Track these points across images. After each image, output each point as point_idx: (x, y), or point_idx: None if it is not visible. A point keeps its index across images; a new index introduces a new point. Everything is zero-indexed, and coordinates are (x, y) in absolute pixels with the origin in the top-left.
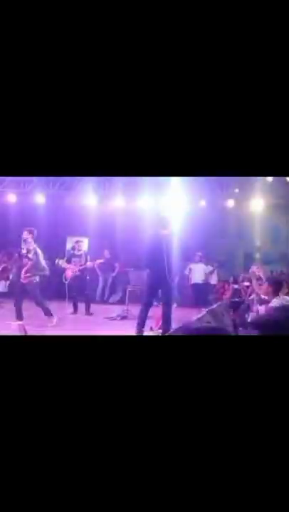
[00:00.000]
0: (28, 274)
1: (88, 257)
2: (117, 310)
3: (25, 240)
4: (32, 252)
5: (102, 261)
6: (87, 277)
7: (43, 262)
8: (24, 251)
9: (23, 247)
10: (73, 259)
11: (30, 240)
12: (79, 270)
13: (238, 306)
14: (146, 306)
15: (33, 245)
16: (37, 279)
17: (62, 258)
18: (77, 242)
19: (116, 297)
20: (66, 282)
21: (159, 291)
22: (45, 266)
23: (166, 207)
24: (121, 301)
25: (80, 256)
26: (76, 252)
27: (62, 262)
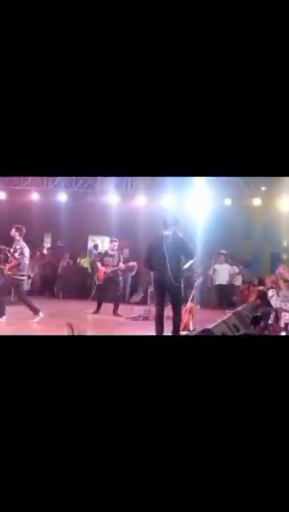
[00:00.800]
0: (9, 273)
1: (121, 257)
2: (138, 310)
3: (13, 238)
4: (18, 252)
5: (134, 263)
6: (120, 278)
7: (26, 263)
8: (12, 249)
9: (13, 245)
10: (106, 259)
11: (18, 237)
12: (112, 271)
13: (263, 310)
14: (157, 307)
15: (20, 244)
16: (22, 277)
17: (85, 257)
18: (112, 241)
19: (137, 297)
20: (99, 282)
21: (166, 292)
22: (27, 269)
23: (190, 206)
24: (143, 301)
25: (113, 256)
26: (110, 252)
27: (84, 261)
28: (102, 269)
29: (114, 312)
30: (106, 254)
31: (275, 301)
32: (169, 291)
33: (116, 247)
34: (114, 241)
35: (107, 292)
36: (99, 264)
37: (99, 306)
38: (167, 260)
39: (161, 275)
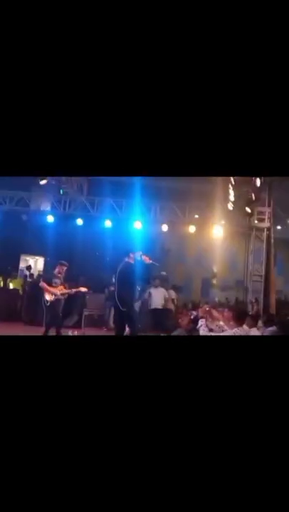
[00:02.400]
0: None
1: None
2: (71, 334)
3: None
4: None
5: (86, 290)
6: (62, 302)
7: None
8: None
9: None
10: (54, 281)
11: None
12: (61, 294)
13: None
14: (115, 331)
15: None
16: None
17: (15, 278)
18: (61, 264)
19: (71, 320)
20: (47, 304)
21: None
22: None
23: (130, 228)
24: (77, 325)
25: (59, 279)
26: (57, 274)
27: (15, 283)
28: (53, 291)
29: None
30: (54, 276)
31: (202, 331)
32: (119, 316)
33: (64, 270)
34: (64, 265)
35: (55, 315)
36: (45, 286)
37: (47, 330)
38: (116, 286)
39: (113, 300)
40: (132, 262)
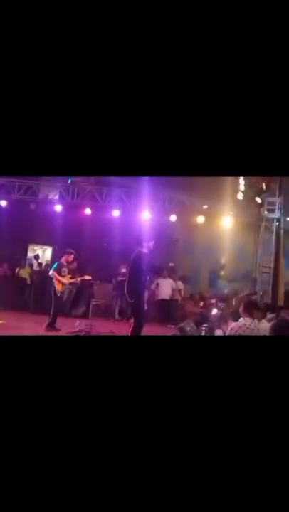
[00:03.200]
0: None
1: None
2: (79, 324)
3: None
4: None
5: (90, 278)
6: (73, 291)
7: None
8: None
9: None
10: (63, 270)
11: None
12: (70, 283)
13: (203, 323)
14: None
15: None
16: None
17: (24, 267)
18: (69, 253)
19: (79, 310)
20: (58, 295)
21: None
22: None
23: (137, 219)
24: (85, 315)
25: (67, 268)
26: (65, 263)
27: (23, 272)
28: (62, 280)
29: (51, 325)
30: (62, 265)
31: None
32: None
33: (72, 258)
34: (71, 253)
35: (63, 305)
36: (56, 275)
37: (54, 320)
38: (127, 275)
39: (120, 290)
40: (144, 251)
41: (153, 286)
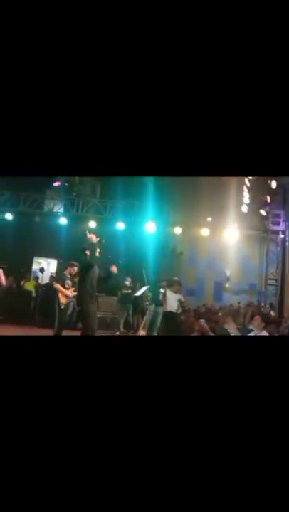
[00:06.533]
0: None
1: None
2: None
3: None
4: None
5: None
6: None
7: None
8: None
9: None
10: (67, 282)
11: None
12: (73, 296)
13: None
14: None
15: None
16: None
17: (29, 280)
18: (72, 265)
19: None
20: (62, 307)
21: None
22: None
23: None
24: None
25: (71, 280)
26: (68, 276)
27: (28, 285)
28: (66, 293)
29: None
30: (65, 277)
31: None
32: None
33: (75, 271)
34: (74, 265)
35: (68, 318)
36: (60, 288)
37: (60, 333)
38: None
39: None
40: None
41: (160, 297)
